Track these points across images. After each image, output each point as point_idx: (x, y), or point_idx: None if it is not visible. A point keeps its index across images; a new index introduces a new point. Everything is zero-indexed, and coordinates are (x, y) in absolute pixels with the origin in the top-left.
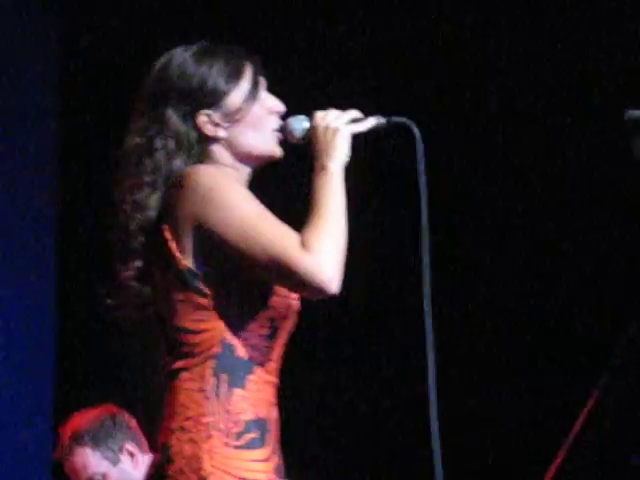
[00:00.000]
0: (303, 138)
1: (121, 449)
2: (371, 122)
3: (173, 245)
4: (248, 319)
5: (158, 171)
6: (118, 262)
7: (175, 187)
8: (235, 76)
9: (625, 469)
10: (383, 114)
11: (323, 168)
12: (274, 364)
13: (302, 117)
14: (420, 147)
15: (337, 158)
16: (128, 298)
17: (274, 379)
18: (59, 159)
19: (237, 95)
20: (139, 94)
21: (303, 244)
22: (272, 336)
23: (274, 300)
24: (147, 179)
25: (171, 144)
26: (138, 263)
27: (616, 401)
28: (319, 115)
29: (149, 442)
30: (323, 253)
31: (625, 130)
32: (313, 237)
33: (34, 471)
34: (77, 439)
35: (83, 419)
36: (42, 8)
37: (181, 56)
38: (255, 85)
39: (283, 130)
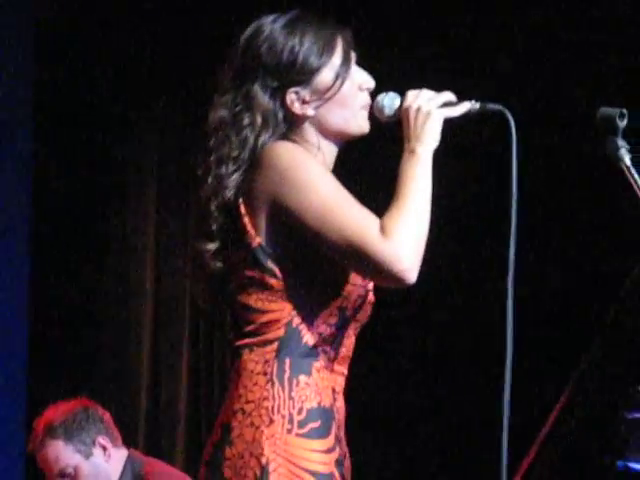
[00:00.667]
0: (393, 116)
1: (94, 442)
2: (465, 107)
3: (247, 221)
4: (317, 306)
5: (244, 147)
6: (198, 239)
7: (254, 164)
8: (327, 52)
9: (596, 468)
10: (476, 99)
11: (412, 152)
12: (342, 354)
13: (393, 95)
14: (514, 136)
15: (427, 142)
16: (205, 276)
17: (342, 369)
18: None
19: (328, 72)
20: (226, 66)
21: (382, 230)
22: (341, 326)
23: (347, 289)
24: (233, 154)
25: (258, 120)
26: (216, 243)
27: (588, 398)
28: (411, 94)
29: (123, 436)
30: (402, 241)
31: (597, 128)
32: (394, 223)
33: (8, 463)
34: (50, 432)
35: (56, 412)
36: None
37: (269, 27)
38: (346, 61)
39: (373, 107)
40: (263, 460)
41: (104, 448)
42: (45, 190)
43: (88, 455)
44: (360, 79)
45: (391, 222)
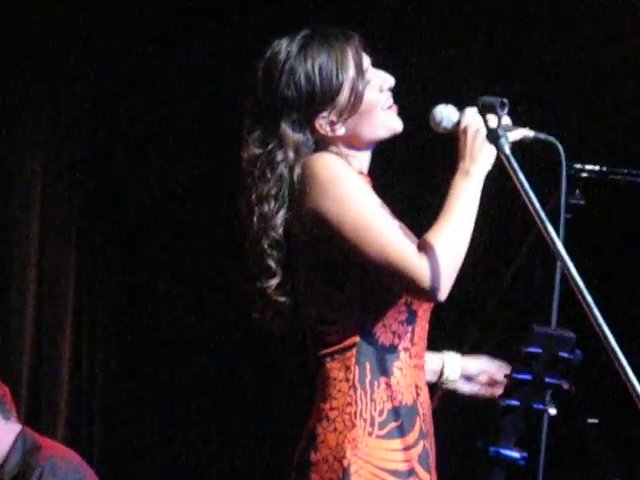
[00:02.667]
0: (448, 130)
1: None
2: (520, 133)
3: (302, 239)
4: (385, 306)
5: (282, 183)
6: (259, 278)
7: (297, 180)
8: (342, 70)
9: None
10: (531, 127)
11: (466, 172)
12: (418, 347)
13: (452, 108)
14: (564, 168)
15: (482, 164)
16: (275, 311)
17: (420, 361)
18: None
19: (347, 87)
20: (248, 98)
21: (420, 247)
22: (411, 320)
23: None
24: (272, 192)
25: (291, 155)
26: (278, 278)
27: None
28: (471, 113)
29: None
30: (438, 262)
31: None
32: (432, 242)
33: None
34: None
35: None
36: None
37: (284, 56)
38: (360, 71)
39: (430, 116)
40: (345, 463)
41: None
42: None
43: None
44: (378, 81)
45: (431, 240)
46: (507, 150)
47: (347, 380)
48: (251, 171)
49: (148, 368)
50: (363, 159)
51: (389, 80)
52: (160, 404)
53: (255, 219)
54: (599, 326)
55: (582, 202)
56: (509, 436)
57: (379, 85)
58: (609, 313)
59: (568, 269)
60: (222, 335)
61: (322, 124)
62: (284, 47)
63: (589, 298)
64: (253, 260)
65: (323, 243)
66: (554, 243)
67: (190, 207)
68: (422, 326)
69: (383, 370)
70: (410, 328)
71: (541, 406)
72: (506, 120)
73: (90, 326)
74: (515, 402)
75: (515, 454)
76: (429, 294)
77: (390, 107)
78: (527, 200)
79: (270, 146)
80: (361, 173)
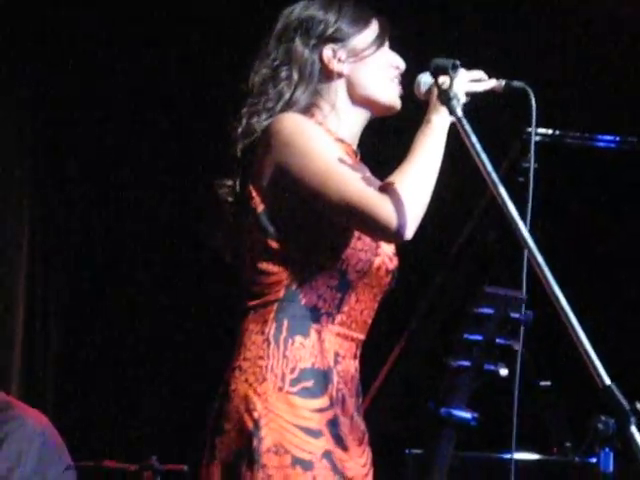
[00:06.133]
0: (427, 93)
1: None
2: (490, 84)
3: (252, 188)
4: (315, 268)
5: (279, 100)
6: (219, 178)
7: (261, 135)
8: (362, 24)
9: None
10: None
11: (428, 121)
12: (348, 317)
13: (428, 75)
14: (534, 114)
15: (443, 113)
16: (224, 229)
17: (353, 334)
18: None
19: (363, 38)
20: (267, 36)
21: (382, 189)
22: (342, 288)
23: (347, 253)
24: (268, 105)
25: (295, 75)
26: (232, 181)
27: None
28: (444, 77)
29: None
30: (400, 199)
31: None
32: (395, 184)
33: None
34: None
35: None
36: None
37: (309, 2)
38: (380, 37)
39: (414, 86)
40: (255, 415)
41: None
42: None
43: None
44: (392, 58)
45: (394, 181)
46: (459, 112)
47: (262, 333)
48: (254, 90)
49: (102, 337)
50: (354, 121)
51: (401, 62)
52: (114, 373)
53: (240, 127)
54: (551, 289)
55: (535, 165)
56: (460, 397)
57: (391, 60)
58: (563, 276)
59: (521, 234)
60: (175, 300)
61: (330, 56)
62: None
63: (542, 261)
64: (222, 164)
65: (278, 194)
66: (507, 207)
67: (145, 173)
68: (362, 300)
69: (300, 330)
70: (339, 295)
71: (492, 367)
72: (479, 73)
73: (43, 294)
74: (466, 363)
75: (466, 414)
76: (393, 232)
77: (395, 82)
78: (479, 163)
79: (277, 63)
80: (340, 141)
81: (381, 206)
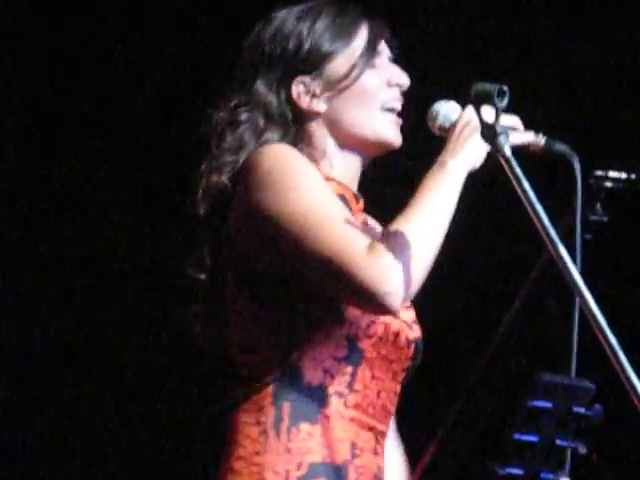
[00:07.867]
0: (446, 130)
1: None
2: (528, 137)
3: (230, 251)
4: (318, 336)
5: (241, 150)
6: (187, 265)
7: (239, 171)
8: (342, 37)
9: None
10: (544, 132)
11: (442, 164)
12: (363, 398)
13: (454, 105)
14: (579, 184)
15: (463, 158)
16: (201, 315)
17: (365, 419)
18: None
19: (343, 60)
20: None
21: (372, 246)
22: (352, 359)
23: (352, 313)
24: (228, 159)
25: (259, 118)
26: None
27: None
28: (472, 110)
29: None
30: (392, 261)
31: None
32: (389, 238)
33: None
34: None
35: None
36: None
37: (281, 17)
38: (369, 50)
39: (428, 113)
40: None
41: None
42: None
43: None
44: (389, 73)
45: (387, 237)
46: (507, 151)
47: (258, 423)
48: (211, 136)
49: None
50: (345, 165)
51: (403, 79)
52: (55, 359)
53: (198, 193)
54: (625, 373)
55: (605, 218)
56: None
57: (387, 78)
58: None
59: (586, 303)
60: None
61: (300, 91)
62: (285, 10)
63: (612, 339)
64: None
65: (258, 249)
66: (569, 271)
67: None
68: (377, 377)
69: (305, 415)
70: (349, 369)
71: (551, 476)
72: (514, 119)
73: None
74: (517, 470)
75: None
76: (379, 299)
77: (392, 110)
78: (533, 215)
79: (235, 103)
80: (331, 179)
81: (366, 266)
